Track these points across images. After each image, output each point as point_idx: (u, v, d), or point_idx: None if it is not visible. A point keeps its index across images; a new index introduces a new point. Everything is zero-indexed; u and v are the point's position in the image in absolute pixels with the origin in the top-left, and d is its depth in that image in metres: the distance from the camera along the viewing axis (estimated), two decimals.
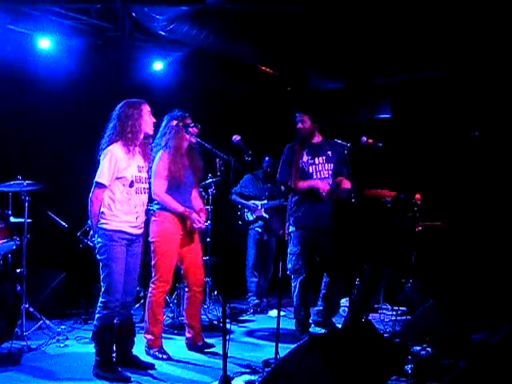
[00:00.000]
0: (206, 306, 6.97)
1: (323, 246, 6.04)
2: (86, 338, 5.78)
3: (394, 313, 6.93)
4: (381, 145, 5.92)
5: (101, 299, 4.76)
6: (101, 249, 4.73)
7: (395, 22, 7.31)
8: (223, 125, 8.05)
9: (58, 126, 7.28)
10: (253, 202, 7.74)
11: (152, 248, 5.43)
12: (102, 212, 4.74)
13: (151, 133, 5.00)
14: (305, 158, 6.07)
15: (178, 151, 5.40)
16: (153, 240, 5.42)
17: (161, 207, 5.43)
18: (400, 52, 8.11)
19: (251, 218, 7.75)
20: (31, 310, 5.90)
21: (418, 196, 6.50)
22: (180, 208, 5.40)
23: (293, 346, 4.12)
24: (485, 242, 7.11)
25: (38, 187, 5.98)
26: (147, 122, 4.93)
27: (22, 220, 5.87)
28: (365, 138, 5.90)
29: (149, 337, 5.40)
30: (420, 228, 6.80)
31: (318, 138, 6.18)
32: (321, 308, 6.33)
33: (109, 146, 4.79)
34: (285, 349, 4.46)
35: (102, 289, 4.76)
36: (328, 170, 6.09)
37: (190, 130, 5.39)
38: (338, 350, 4.02)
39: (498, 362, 4.15)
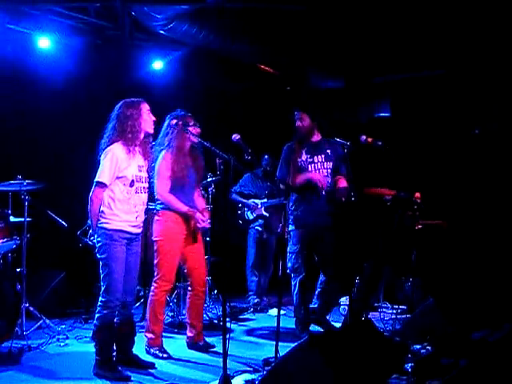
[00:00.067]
0: (206, 305, 6.96)
1: (322, 245, 6.04)
2: (86, 337, 5.78)
3: (394, 311, 6.93)
4: (380, 143, 5.92)
5: (101, 298, 4.76)
6: (101, 248, 4.74)
7: (395, 21, 7.31)
8: (223, 124, 8.05)
9: (58, 125, 7.28)
10: (253, 200, 7.75)
11: (155, 247, 5.43)
12: (102, 211, 4.74)
13: (151, 131, 5.00)
14: (304, 157, 6.07)
15: (180, 151, 5.41)
16: (156, 239, 5.43)
17: (164, 207, 5.43)
18: (400, 51, 8.11)
19: (251, 217, 7.75)
20: (31, 309, 5.91)
21: (417, 194, 6.49)
22: (184, 208, 5.41)
23: (293, 345, 4.12)
24: (485, 240, 7.11)
25: (37, 187, 5.99)
26: (147, 121, 4.92)
27: (22, 219, 5.87)
28: (364, 137, 5.90)
29: (149, 335, 5.40)
30: (420, 226, 6.79)
31: (317, 137, 6.18)
32: (315, 306, 6.31)
33: (109, 146, 4.79)
34: (285, 347, 4.46)
35: (102, 288, 4.76)
36: (327, 168, 6.09)
37: (191, 129, 5.39)
38: (338, 349, 4.03)
39: (498, 360, 4.15)
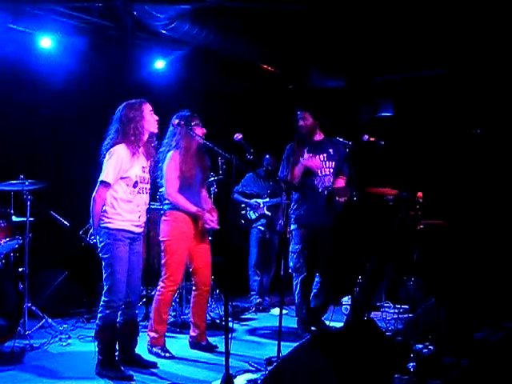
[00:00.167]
0: (208, 305, 6.96)
1: (322, 246, 6.04)
2: (88, 336, 5.78)
3: (396, 311, 6.93)
4: (382, 143, 5.93)
5: (103, 298, 4.77)
6: (104, 248, 4.74)
7: (396, 20, 7.31)
8: (225, 123, 8.05)
9: (60, 125, 7.29)
10: (255, 200, 7.75)
11: (162, 247, 5.45)
12: (105, 210, 4.75)
13: (156, 131, 5.00)
14: (306, 156, 6.07)
15: (188, 151, 5.41)
16: (163, 239, 5.44)
17: (171, 207, 5.44)
18: (401, 50, 8.11)
19: (253, 217, 7.75)
20: (34, 308, 5.91)
21: (419, 194, 6.49)
22: (193, 208, 5.42)
23: (295, 345, 4.12)
24: (487, 240, 7.11)
25: (39, 186, 5.99)
26: (150, 121, 4.93)
27: (24, 219, 5.87)
28: (366, 136, 5.92)
29: (152, 334, 5.41)
30: (422, 226, 6.78)
31: (319, 136, 6.19)
32: (311, 307, 6.30)
33: (112, 146, 4.79)
34: (287, 347, 4.46)
35: (105, 288, 4.77)
36: (329, 167, 6.09)
37: (196, 130, 5.38)
38: (341, 349, 4.03)
39: (499, 360, 4.16)
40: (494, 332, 4.86)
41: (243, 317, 7.24)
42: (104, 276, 4.77)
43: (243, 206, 7.82)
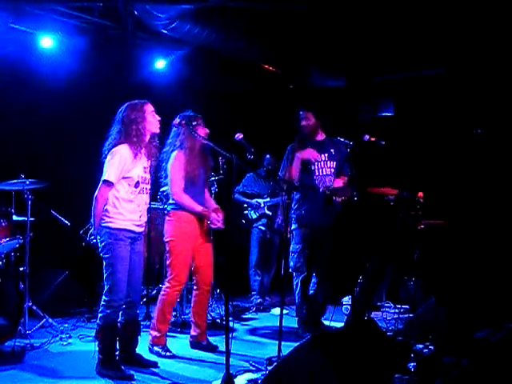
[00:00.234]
0: (208, 305, 6.97)
1: (323, 246, 6.04)
2: (89, 336, 5.78)
3: (397, 311, 6.93)
4: (383, 143, 5.93)
5: (104, 298, 4.77)
6: (105, 247, 4.75)
7: (396, 20, 7.31)
8: (225, 123, 8.06)
9: (61, 124, 7.29)
10: (255, 200, 7.75)
11: (167, 248, 5.45)
12: (106, 210, 4.75)
13: (157, 131, 5.00)
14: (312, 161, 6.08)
15: (192, 151, 5.42)
16: (168, 240, 5.44)
17: (174, 207, 5.44)
18: (401, 50, 8.11)
19: (254, 216, 7.75)
20: (34, 308, 5.92)
21: (420, 194, 6.50)
22: (199, 207, 5.43)
23: (295, 345, 4.12)
24: (488, 240, 7.11)
25: (40, 186, 6.00)
26: (152, 122, 4.93)
27: (25, 218, 5.88)
28: (367, 136, 5.93)
29: (154, 333, 5.42)
30: (422, 226, 6.79)
31: (321, 136, 6.19)
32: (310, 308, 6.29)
33: (115, 146, 4.80)
34: (288, 347, 4.46)
35: (105, 288, 4.77)
36: (330, 167, 6.10)
37: (197, 129, 5.38)
38: (341, 348, 4.03)
39: (500, 360, 4.15)
40: (495, 332, 4.85)
41: (244, 316, 7.24)
42: (105, 276, 4.77)
43: (245, 205, 7.81)
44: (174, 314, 6.52)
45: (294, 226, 6.08)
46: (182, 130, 5.40)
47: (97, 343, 4.81)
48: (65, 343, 5.66)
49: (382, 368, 4.24)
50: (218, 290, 7.32)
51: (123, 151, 4.77)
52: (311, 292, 6.19)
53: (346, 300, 7.26)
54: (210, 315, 6.61)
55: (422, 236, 6.77)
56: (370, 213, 6.79)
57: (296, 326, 6.23)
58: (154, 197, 6.30)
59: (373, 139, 5.91)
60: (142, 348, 5.25)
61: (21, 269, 5.96)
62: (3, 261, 5.97)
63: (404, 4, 6.83)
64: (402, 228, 6.35)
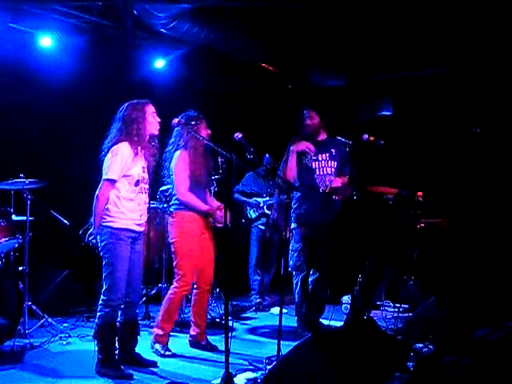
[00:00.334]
0: (208, 304, 6.97)
1: (322, 245, 6.04)
2: (88, 335, 5.75)
3: (396, 310, 6.93)
4: (382, 142, 5.93)
5: (102, 297, 4.77)
6: (105, 247, 4.74)
7: (396, 19, 7.31)
8: (225, 122, 8.05)
9: (60, 124, 7.29)
10: (255, 199, 7.75)
11: (173, 249, 5.45)
12: (107, 209, 4.74)
13: (156, 133, 5.00)
14: (308, 154, 6.08)
15: (196, 151, 5.42)
16: (173, 241, 5.44)
17: (178, 207, 5.44)
18: (401, 49, 8.11)
19: (254, 216, 7.75)
20: (34, 307, 5.92)
21: (419, 193, 6.50)
22: (205, 206, 5.44)
23: (295, 344, 4.13)
24: (487, 238, 7.11)
25: (40, 185, 5.99)
26: (152, 123, 4.93)
27: (24, 218, 5.87)
28: (366, 136, 5.93)
29: (157, 331, 5.43)
30: (422, 225, 6.80)
31: (322, 136, 6.20)
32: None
33: (115, 144, 4.79)
34: (287, 346, 4.47)
35: (104, 287, 4.77)
36: (331, 167, 6.10)
37: (199, 130, 5.38)
38: (341, 348, 4.03)
39: (499, 359, 4.15)
40: (495, 331, 4.85)
41: (243, 316, 7.24)
42: (104, 275, 4.77)
43: (246, 205, 7.81)
44: None
45: (293, 225, 6.08)
46: (185, 130, 5.40)
47: (96, 342, 4.81)
48: (64, 342, 5.66)
49: (382, 367, 4.25)
50: (218, 290, 7.32)
51: (124, 149, 4.77)
52: (310, 288, 6.20)
53: (346, 299, 7.26)
54: (210, 314, 6.61)
55: (421, 235, 6.78)
56: (370, 212, 6.80)
57: (295, 325, 6.23)
58: (153, 196, 6.30)
59: (372, 138, 5.91)
60: (142, 347, 5.25)
61: (20, 268, 5.96)
62: (3, 260, 5.97)
63: (404, 3, 6.83)
64: (401, 227, 6.36)
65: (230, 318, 4.50)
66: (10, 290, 5.53)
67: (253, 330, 6.57)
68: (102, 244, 4.76)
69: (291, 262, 6.06)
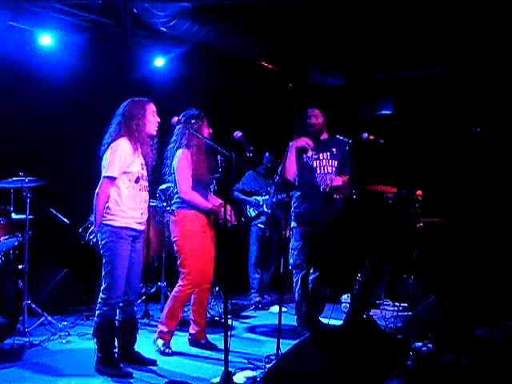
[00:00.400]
0: (208, 303, 6.97)
1: (322, 243, 6.03)
2: (87, 334, 5.74)
3: (396, 309, 6.94)
4: (382, 141, 5.93)
5: (101, 295, 4.77)
6: (105, 245, 4.74)
7: (396, 19, 7.31)
8: (224, 121, 8.05)
9: (60, 122, 7.29)
10: (254, 197, 7.75)
11: (176, 248, 5.45)
12: (108, 207, 4.73)
13: (154, 133, 4.98)
14: (309, 153, 6.08)
15: (199, 149, 5.42)
16: (176, 239, 5.44)
17: (180, 205, 5.44)
18: (401, 48, 8.11)
19: (253, 214, 7.75)
20: (33, 306, 5.91)
21: (419, 192, 6.50)
22: (209, 205, 5.44)
23: (294, 342, 4.12)
24: (486, 238, 7.11)
25: (39, 184, 5.99)
26: (151, 122, 4.92)
27: (24, 216, 5.87)
28: (366, 135, 5.93)
29: (161, 328, 5.44)
30: (421, 224, 6.80)
31: (324, 135, 6.20)
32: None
33: (114, 140, 4.79)
34: (286, 345, 4.46)
35: (103, 285, 4.76)
36: (332, 166, 6.10)
37: (201, 128, 5.38)
38: (340, 346, 4.03)
39: (499, 358, 4.15)
40: (494, 330, 4.85)
41: (243, 314, 7.24)
42: (103, 273, 4.77)
43: (248, 204, 7.80)
44: None
45: (293, 224, 6.08)
46: (188, 129, 5.39)
47: (95, 341, 4.81)
48: (64, 341, 5.66)
49: (381, 366, 4.25)
50: (217, 288, 7.31)
51: (123, 145, 4.76)
52: (310, 286, 6.20)
53: (345, 298, 7.27)
54: (209, 313, 6.61)
55: (420, 234, 6.77)
56: (369, 211, 6.80)
57: (295, 323, 6.23)
58: (152, 195, 6.30)
59: (372, 138, 5.91)
60: (141, 346, 5.25)
61: (20, 267, 5.96)
62: (2, 259, 5.97)
63: (404, 2, 6.83)
64: (400, 226, 6.36)
65: (229, 316, 4.50)
66: (9, 288, 5.54)
67: (252, 329, 6.57)
68: (103, 242, 4.76)
69: (291, 261, 6.06)
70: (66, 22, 6.95)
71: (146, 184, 4.97)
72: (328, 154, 6.11)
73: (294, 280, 6.09)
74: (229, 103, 8.90)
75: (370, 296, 6.84)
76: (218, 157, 5.93)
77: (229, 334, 4.32)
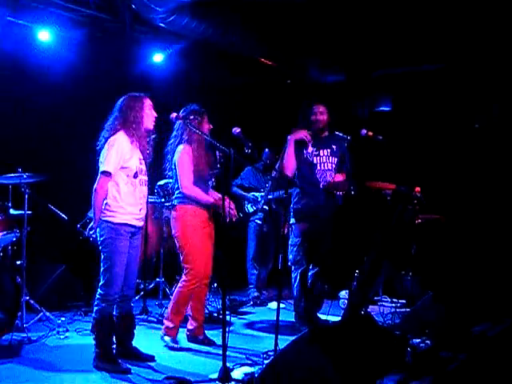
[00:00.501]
0: (206, 299, 6.97)
1: (321, 240, 6.03)
2: (86, 329, 5.76)
3: (394, 305, 6.94)
4: (381, 137, 5.93)
5: (99, 291, 4.77)
6: (104, 241, 4.73)
7: (396, 15, 7.30)
8: (223, 117, 8.04)
9: (58, 117, 7.27)
10: (253, 194, 7.74)
11: (178, 244, 5.45)
12: (107, 204, 4.73)
13: (151, 127, 4.98)
14: (310, 149, 6.08)
15: (200, 145, 5.41)
16: (177, 235, 5.44)
17: (181, 201, 5.43)
18: (400, 45, 8.10)
19: (251, 210, 7.74)
20: (31, 302, 5.91)
21: (417, 189, 6.50)
22: (211, 199, 5.43)
23: (293, 338, 4.12)
24: (485, 234, 7.12)
25: (37, 179, 5.98)
26: (148, 115, 4.92)
27: (22, 212, 5.86)
28: (365, 131, 5.93)
29: (166, 323, 5.46)
30: (420, 221, 6.80)
31: (325, 132, 6.19)
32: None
33: (112, 135, 4.78)
34: (284, 341, 4.46)
35: (101, 281, 4.76)
36: (332, 162, 6.10)
37: (201, 124, 5.37)
38: (338, 343, 4.03)
39: (497, 354, 4.16)
40: (492, 326, 4.86)
41: (241, 310, 7.24)
42: (102, 269, 4.76)
43: (244, 199, 7.80)
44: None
45: (292, 220, 6.09)
46: (188, 125, 5.38)
47: (93, 337, 4.81)
48: (62, 337, 5.66)
49: (379, 362, 4.25)
50: (215, 284, 7.32)
51: (120, 139, 4.76)
52: (309, 282, 6.20)
53: (343, 294, 7.27)
54: (207, 309, 6.61)
55: (419, 230, 6.78)
56: (368, 207, 6.79)
57: (293, 319, 6.23)
58: (150, 191, 6.29)
59: (370, 134, 5.91)
60: (139, 341, 5.24)
61: (18, 262, 5.95)
62: (0, 254, 5.96)
63: None
64: (399, 222, 6.36)
65: (227, 312, 4.50)
66: (7, 283, 5.52)
67: (250, 325, 6.58)
68: (102, 239, 4.75)
69: (291, 257, 6.07)
70: (64, 17, 6.94)
71: (146, 178, 4.97)
72: (328, 150, 6.11)
73: (293, 276, 6.09)
74: (227, 99, 8.89)
75: (368, 292, 6.85)
76: (217, 152, 5.93)
77: (227, 329, 4.33)
